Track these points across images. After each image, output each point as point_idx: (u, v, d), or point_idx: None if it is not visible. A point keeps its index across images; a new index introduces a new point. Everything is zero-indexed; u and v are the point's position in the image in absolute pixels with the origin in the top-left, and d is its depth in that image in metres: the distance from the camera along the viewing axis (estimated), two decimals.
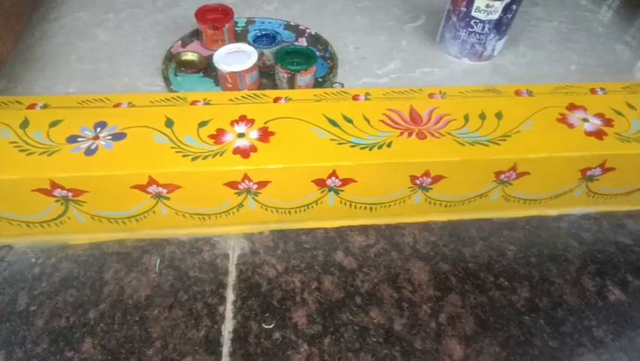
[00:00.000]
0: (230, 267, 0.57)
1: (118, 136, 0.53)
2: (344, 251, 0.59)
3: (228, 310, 0.53)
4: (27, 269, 0.55)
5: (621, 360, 0.51)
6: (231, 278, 0.56)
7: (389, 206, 0.60)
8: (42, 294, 0.53)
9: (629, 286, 0.57)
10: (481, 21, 0.78)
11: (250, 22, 0.88)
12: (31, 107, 0.57)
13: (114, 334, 0.50)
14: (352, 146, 0.54)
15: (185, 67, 0.78)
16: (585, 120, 0.59)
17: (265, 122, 0.56)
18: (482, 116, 0.59)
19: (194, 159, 0.51)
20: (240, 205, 0.56)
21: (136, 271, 0.56)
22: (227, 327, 0.51)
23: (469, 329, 0.53)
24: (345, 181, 0.55)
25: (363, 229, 0.62)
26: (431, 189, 0.58)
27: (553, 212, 0.65)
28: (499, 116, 0.59)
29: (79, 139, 0.53)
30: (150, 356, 0.49)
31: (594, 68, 0.85)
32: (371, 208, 0.60)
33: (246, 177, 0.52)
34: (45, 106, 0.57)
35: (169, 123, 0.55)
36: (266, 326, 0.51)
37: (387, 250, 0.60)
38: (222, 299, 0.54)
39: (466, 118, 0.58)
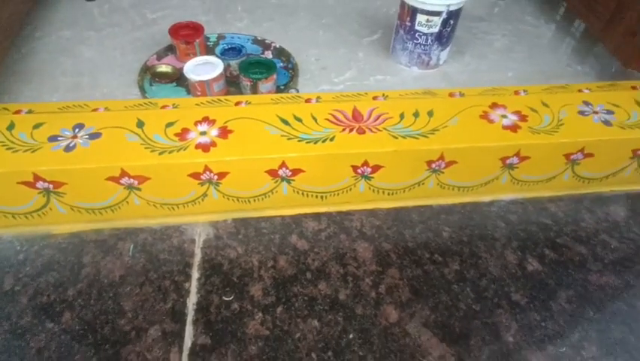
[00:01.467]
0: (197, 250, 0.64)
1: (94, 135, 0.61)
2: (298, 235, 0.67)
3: (193, 286, 0.60)
4: (12, 256, 0.62)
5: (533, 318, 0.59)
6: (197, 259, 0.63)
7: (338, 194, 0.68)
8: (26, 276, 0.59)
9: (546, 259, 0.66)
10: (424, 34, 0.88)
11: (221, 37, 0.98)
12: (17, 112, 0.65)
13: (90, 308, 0.57)
14: (300, 140, 0.62)
15: (160, 78, 0.87)
16: (504, 116, 0.69)
17: (225, 122, 0.64)
18: (416, 114, 0.68)
19: (161, 153, 0.59)
20: (204, 195, 0.64)
21: (111, 255, 0.63)
22: (192, 300, 0.58)
23: (404, 297, 0.60)
24: (295, 171, 0.63)
25: (317, 216, 0.70)
26: (372, 177, 0.66)
27: (485, 198, 0.73)
28: (430, 114, 0.68)
29: (59, 138, 0.60)
30: (122, 325, 0.55)
31: (530, 75, 0.96)
32: (322, 197, 0.68)
33: (206, 168, 0.60)
34: (30, 111, 0.65)
35: (140, 124, 0.63)
36: (226, 299, 0.59)
37: (337, 233, 0.67)
38: (188, 277, 0.61)
39: (402, 116, 0.67)
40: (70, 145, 0.59)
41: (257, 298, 0.59)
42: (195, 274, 0.61)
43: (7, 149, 0.58)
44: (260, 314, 0.57)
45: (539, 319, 0.59)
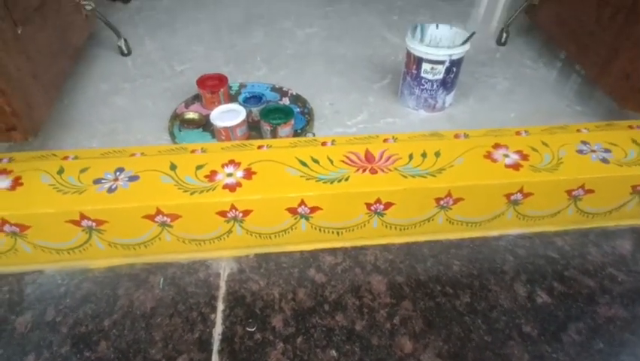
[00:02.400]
0: (221, 283, 0.69)
1: (133, 178, 0.68)
2: (316, 269, 0.71)
3: (218, 317, 0.64)
4: (54, 289, 0.67)
5: (544, 349, 0.61)
6: (222, 292, 0.67)
7: (353, 230, 0.73)
8: (66, 308, 0.65)
9: (555, 291, 0.68)
10: (430, 80, 0.96)
11: (242, 85, 1.07)
12: (65, 158, 0.72)
13: (124, 338, 0.61)
14: (317, 180, 0.68)
15: (188, 124, 0.95)
16: (506, 156, 0.74)
17: (249, 164, 0.71)
18: (424, 155, 0.73)
19: (192, 193, 0.65)
20: (229, 232, 0.69)
21: (143, 288, 0.68)
22: (217, 330, 0.62)
23: (418, 328, 0.63)
24: (313, 209, 0.68)
25: (333, 251, 0.74)
26: (385, 214, 0.71)
27: (493, 233, 0.77)
28: (437, 154, 0.74)
29: (102, 181, 0.67)
30: (153, 354, 0.59)
31: (531, 115, 1.02)
32: (338, 233, 0.73)
33: (232, 206, 0.66)
34: (76, 157, 0.73)
35: (173, 167, 0.70)
36: (249, 329, 0.62)
37: (352, 267, 0.72)
38: (214, 309, 0.65)
39: (411, 156, 0.73)
40: (112, 187, 0.66)
41: (278, 329, 0.62)
42: (220, 306, 0.65)
43: (58, 191, 0.65)
44: (281, 344, 0.61)
45: (550, 350, 0.61)
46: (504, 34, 1.28)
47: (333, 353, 0.60)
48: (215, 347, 0.60)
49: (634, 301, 0.67)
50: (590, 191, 0.72)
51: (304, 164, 0.71)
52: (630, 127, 0.82)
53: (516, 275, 0.70)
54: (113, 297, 0.66)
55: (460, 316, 0.65)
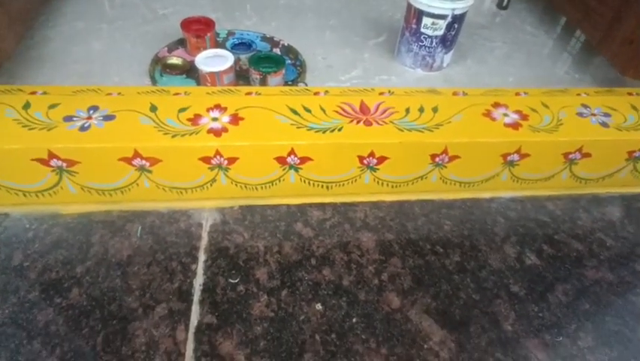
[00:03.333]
0: (203, 234, 0.65)
1: (108, 117, 0.62)
2: (303, 223, 0.68)
3: (200, 267, 0.61)
4: (21, 233, 0.62)
5: (531, 308, 0.60)
6: (203, 243, 0.64)
7: (343, 185, 0.70)
8: (35, 253, 0.60)
9: (544, 253, 0.68)
10: (429, 36, 0.91)
11: (230, 33, 1.00)
12: (32, 93, 0.66)
13: (98, 285, 0.57)
14: (309, 129, 0.64)
15: (171, 69, 0.88)
16: (505, 115, 0.71)
17: (236, 110, 0.66)
18: (421, 110, 0.70)
19: (173, 136, 0.61)
20: (213, 180, 0.65)
21: (119, 236, 0.63)
22: (198, 281, 0.59)
23: (406, 285, 0.62)
24: (303, 159, 0.64)
25: (321, 206, 0.71)
26: (378, 169, 0.68)
27: (485, 195, 0.75)
28: (435, 110, 0.70)
29: (74, 118, 0.61)
30: (130, 302, 0.56)
31: (529, 80, 0.99)
32: (327, 187, 0.70)
33: (217, 152, 0.61)
34: (45, 93, 0.66)
35: (153, 108, 0.65)
36: (232, 281, 0.60)
37: (341, 222, 0.69)
38: (195, 259, 0.62)
39: (407, 110, 0.69)
40: (85, 125, 0.61)
41: (262, 282, 0.60)
42: (202, 257, 0.62)
43: (23, 126, 0.59)
44: (265, 297, 0.58)
45: (537, 310, 0.60)
46: None
47: (319, 306, 0.58)
48: (196, 297, 0.57)
49: (620, 265, 0.67)
50: (587, 155, 0.70)
51: (295, 112, 0.67)
52: (629, 94, 0.80)
53: (506, 237, 0.69)
54: (86, 244, 0.62)
55: (449, 274, 0.63)
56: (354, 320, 0.57)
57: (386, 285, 0.61)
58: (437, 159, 0.68)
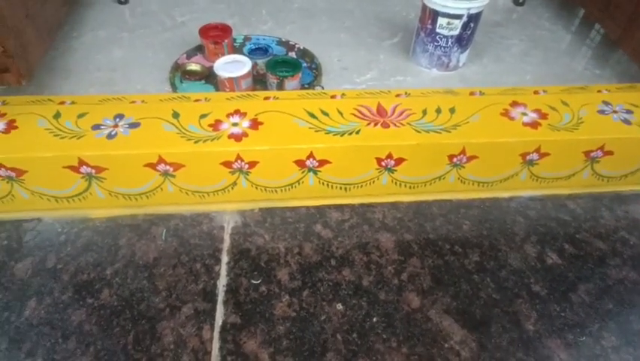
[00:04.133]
0: (225, 236, 0.67)
1: (134, 125, 0.65)
2: (322, 224, 0.69)
3: (223, 269, 0.62)
4: (54, 237, 0.65)
5: (553, 308, 0.60)
6: (226, 245, 0.66)
7: (361, 186, 0.70)
8: (67, 256, 0.63)
9: (565, 253, 0.67)
10: (445, 36, 0.91)
11: (247, 38, 1.02)
12: (61, 103, 0.69)
13: (127, 286, 0.60)
14: (327, 133, 0.65)
15: (190, 75, 0.91)
16: (524, 114, 0.71)
17: (255, 115, 0.68)
18: (438, 111, 0.70)
19: (196, 142, 0.63)
20: (234, 184, 0.67)
21: (145, 238, 0.66)
22: (222, 282, 0.61)
23: (426, 285, 0.62)
24: (322, 162, 0.65)
25: (340, 208, 0.72)
26: (395, 170, 0.68)
27: (504, 194, 0.75)
28: (452, 110, 0.70)
29: (102, 127, 0.64)
30: (157, 302, 0.58)
31: (547, 78, 0.98)
32: (346, 188, 0.71)
33: (238, 157, 0.63)
34: (73, 102, 0.69)
35: (175, 115, 0.67)
36: (254, 282, 0.61)
37: (360, 223, 0.70)
38: (218, 261, 0.63)
39: (424, 112, 0.70)
40: (112, 133, 0.63)
41: (284, 282, 0.61)
42: (225, 259, 0.64)
43: (55, 135, 0.62)
44: (287, 297, 0.60)
45: (559, 309, 0.60)
46: None
47: (340, 306, 0.59)
48: (220, 297, 0.59)
49: None
50: (609, 153, 0.69)
51: (313, 116, 0.68)
52: None
53: (526, 236, 0.69)
54: (114, 247, 0.64)
55: (469, 274, 0.63)
56: (374, 319, 0.58)
57: (406, 285, 0.62)
58: (455, 160, 0.68)
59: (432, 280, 0.63)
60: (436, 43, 0.93)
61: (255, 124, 0.66)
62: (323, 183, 0.69)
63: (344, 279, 0.62)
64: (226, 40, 0.93)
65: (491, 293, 0.61)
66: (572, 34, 1.13)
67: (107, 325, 0.55)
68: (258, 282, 0.61)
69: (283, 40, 1.02)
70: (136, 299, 0.58)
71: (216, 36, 0.93)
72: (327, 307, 0.59)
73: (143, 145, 0.62)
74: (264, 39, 1.01)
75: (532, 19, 1.19)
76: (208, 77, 0.90)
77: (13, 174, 0.61)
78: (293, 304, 0.59)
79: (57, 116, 0.65)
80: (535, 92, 0.77)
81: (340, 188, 0.70)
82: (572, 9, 1.20)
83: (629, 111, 0.72)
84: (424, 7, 0.90)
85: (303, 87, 0.88)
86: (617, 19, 0.93)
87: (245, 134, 0.64)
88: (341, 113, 0.69)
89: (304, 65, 0.93)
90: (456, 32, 0.90)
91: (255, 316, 0.57)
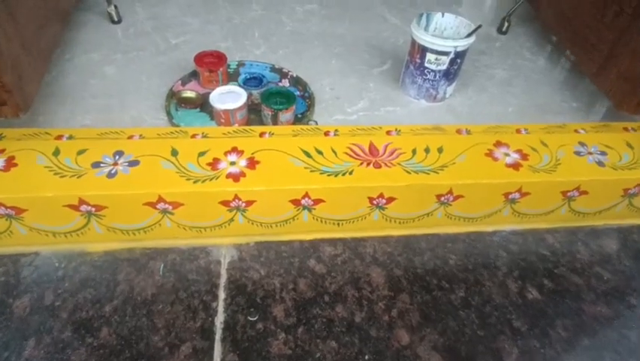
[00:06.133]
0: (222, 271, 0.69)
1: (133, 163, 0.66)
2: (316, 259, 0.72)
3: (220, 305, 0.64)
4: (52, 272, 0.66)
5: (533, 344, 0.64)
6: (223, 280, 0.68)
7: (353, 222, 0.73)
8: (65, 292, 0.64)
9: (545, 288, 0.71)
10: (433, 70, 0.95)
11: (241, 64, 1.03)
12: (59, 137, 0.70)
13: (126, 324, 0.61)
14: (321, 173, 0.68)
15: (185, 103, 0.92)
16: (507, 155, 0.75)
17: (252, 153, 0.70)
18: (427, 150, 0.74)
19: (195, 181, 0.64)
20: (231, 220, 0.69)
21: (143, 273, 0.67)
22: (219, 319, 0.63)
23: (415, 321, 0.66)
24: (316, 201, 0.68)
25: (333, 242, 0.75)
26: (386, 208, 0.72)
27: (488, 228, 0.79)
28: (440, 150, 0.74)
29: (101, 165, 0.65)
30: (156, 341, 0.60)
31: (527, 109, 1.03)
32: (339, 224, 0.73)
33: (236, 196, 0.65)
34: (70, 137, 0.70)
35: (174, 153, 0.68)
36: (251, 319, 0.63)
37: (352, 258, 0.73)
38: (215, 297, 0.65)
39: (414, 151, 0.73)
40: (112, 172, 0.64)
41: (279, 319, 0.64)
42: (222, 295, 0.66)
43: (55, 174, 0.63)
44: (283, 334, 0.62)
45: (539, 345, 0.64)
46: (505, 23, 1.27)
47: (333, 344, 0.62)
48: (218, 335, 0.61)
49: (617, 298, 0.71)
50: (584, 192, 0.74)
51: (308, 155, 0.70)
52: (625, 129, 0.84)
53: (509, 271, 0.73)
54: (112, 282, 0.66)
55: (455, 310, 0.67)
56: (366, 356, 0.61)
57: (396, 321, 0.65)
58: (442, 199, 0.72)
59: (420, 316, 0.66)
60: (424, 77, 0.96)
61: (252, 163, 0.68)
62: (317, 219, 0.72)
63: (337, 315, 0.65)
64: (221, 69, 0.95)
65: (476, 330, 0.65)
66: (552, 65, 1.19)
67: None
68: (255, 319, 0.63)
69: (276, 66, 1.04)
70: (135, 338, 0.60)
71: (211, 63, 0.95)
72: (321, 345, 0.61)
73: (143, 185, 0.63)
74: (257, 65, 1.03)
75: (515, 48, 1.24)
76: (203, 105, 0.92)
77: (13, 212, 0.62)
78: (289, 342, 0.61)
79: (56, 153, 0.66)
80: (518, 131, 0.81)
81: (333, 223, 0.73)
82: (551, 39, 1.26)
83: (603, 153, 0.77)
84: (414, 42, 0.94)
85: (296, 117, 0.90)
86: (593, 57, 0.98)
87: (242, 174, 0.66)
88: (335, 152, 0.71)
89: (297, 93, 0.96)
90: (443, 67, 0.94)
91: (252, 354, 0.60)
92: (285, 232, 0.73)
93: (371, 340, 0.62)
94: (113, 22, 1.15)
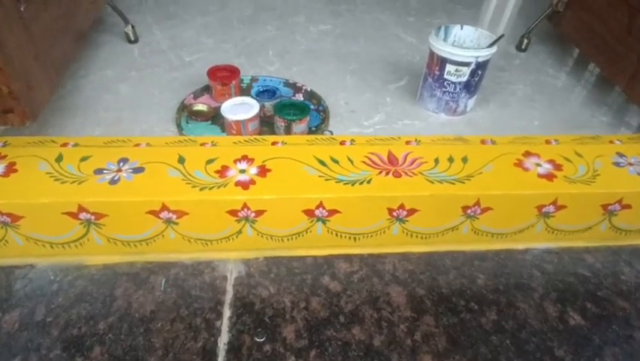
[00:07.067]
0: (228, 287, 0.63)
1: (138, 170, 0.63)
2: (330, 276, 0.66)
3: (224, 324, 0.58)
4: (46, 285, 0.62)
5: None
6: (228, 297, 0.62)
7: (371, 236, 0.68)
8: (58, 307, 0.59)
9: (588, 313, 0.63)
10: (453, 82, 0.91)
11: (254, 79, 1.02)
12: (64, 145, 0.67)
13: (121, 343, 0.55)
14: (337, 182, 0.63)
15: (196, 116, 0.90)
16: (538, 165, 0.69)
17: (263, 161, 0.66)
18: (450, 160, 0.69)
19: (201, 189, 0.60)
20: (239, 232, 0.64)
21: (143, 289, 0.62)
22: (223, 339, 0.57)
23: (441, 346, 0.58)
24: (331, 212, 0.63)
25: (348, 258, 0.69)
26: (407, 221, 0.66)
27: (519, 246, 0.72)
28: (464, 160, 0.69)
29: (104, 171, 0.62)
30: None
31: (554, 123, 0.97)
32: (355, 238, 0.68)
33: (245, 205, 0.61)
34: (76, 145, 0.67)
35: (181, 160, 0.65)
36: (258, 340, 0.57)
37: (370, 275, 0.66)
38: (219, 315, 0.60)
39: (436, 161, 0.68)
40: (115, 178, 0.61)
41: (289, 341, 0.57)
42: (227, 313, 0.60)
43: (55, 180, 0.60)
44: (293, 358, 0.55)
45: None
46: (525, 41, 1.24)
47: None
48: (221, 357, 0.55)
49: None
50: (627, 206, 0.67)
51: (323, 163, 0.66)
52: None
53: (545, 293, 0.66)
54: (109, 297, 0.61)
55: (487, 335, 0.60)
56: None
57: (420, 346, 0.58)
58: (469, 211, 0.66)
59: (447, 340, 0.59)
60: (444, 89, 0.93)
61: (263, 171, 0.64)
62: (332, 233, 0.66)
63: (354, 338, 0.58)
64: (233, 82, 0.93)
65: (512, 358, 0.57)
66: (575, 79, 1.14)
67: None
68: (262, 340, 0.57)
69: (290, 81, 1.02)
70: (129, 359, 0.54)
71: (224, 77, 0.93)
72: None
73: (147, 192, 0.59)
74: (271, 80, 1.01)
75: (536, 65, 1.20)
76: (214, 117, 0.89)
77: (9, 220, 0.59)
78: None
79: (59, 159, 0.63)
80: (547, 142, 0.76)
81: (349, 238, 0.67)
82: (576, 56, 1.22)
83: None
84: (432, 54, 0.91)
85: (310, 130, 0.87)
86: (624, 68, 0.93)
87: (252, 182, 0.62)
88: (351, 161, 0.67)
89: (312, 107, 0.93)
90: (464, 79, 0.90)
91: None
92: (297, 247, 0.67)
93: None
94: (130, 41, 1.17)
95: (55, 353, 0.54)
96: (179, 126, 0.86)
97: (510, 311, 0.63)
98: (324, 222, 0.64)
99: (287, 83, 1.01)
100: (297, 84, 1.01)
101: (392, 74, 1.11)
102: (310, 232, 0.65)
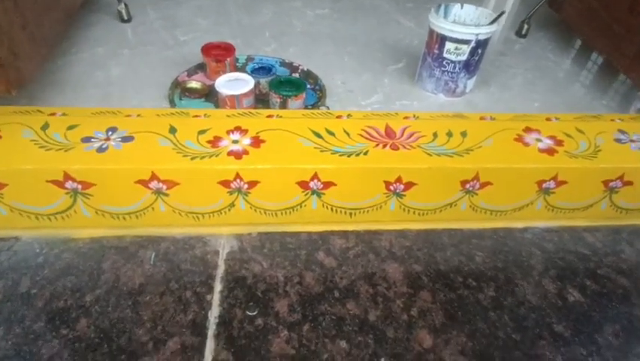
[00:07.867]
0: (220, 262, 0.61)
1: (127, 138, 0.61)
2: (325, 252, 0.64)
3: (215, 298, 0.57)
4: (31, 258, 0.59)
5: (579, 352, 0.54)
6: (220, 271, 0.60)
7: (367, 212, 0.66)
8: (43, 279, 0.57)
9: (588, 290, 0.62)
10: (452, 61, 0.89)
11: (250, 59, 0.99)
12: (52, 114, 0.65)
13: (107, 315, 0.54)
14: (333, 153, 0.61)
15: (190, 93, 0.87)
16: (539, 140, 0.67)
17: (257, 132, 0.64)
18: (449, 134, 0.67)
19: (192, 158, 0.58)
20: (232, 205, 0.62)
21: (132, 262, 0.60)
22: (214, 313, 0.55)
23: (438, 321, 0.57)
24: (326, 184, 0.61)
25: (344, 234, 0.67)
26: (404, 195, 0.64)
27: (518, 224, 0.71)
28: (463, 134, 0.67)
29: (92, 140, 0.60)
30: (140, 335, 0.52)
31: (555, 105, 0.96)
32: (351, 214, 0.66)
33: (237, 175, 0.59)
34: (64, 114, 0.65)
35: (172, 130, 0.63)
36: (249, 313, 0.55)
37: (366, 252, 0.65)
38: (210, 289, 0.58)
39: (435, 135, 0.66)
40: (103, 146, 0.59)
41: (282, 315, 0.55)
42: (218, 287, 0.58)
43: (40, 147, 0.58)
44: (285, 332, 0.54)
45: (586, 353, 0.54)
46: (525, 26, 1.22)
47: (344, 344, 0.53)
48: (211, 331, 0.53)
49: None
50: (629, 183, 0.66)
51: (318, 135, 0.64)
52: None
53: (544, 270, 0.64)
54: (97, 270, 0.59)
55: (485, 311, 0.58)
56: (382, 359, 0.52)
57: (416, 321, 0.56)
58: (468, 186, 0.64)
59: (445, 316, 0.57)
60: (443, 69, 0.91)
61: (257, 142, 0.62)
62: (327, 207, 0.64)
63: (348, 313, 0.56)
64: (228, 59, 0.91)
65: (510, 333, 0.56)
66: (577, 65, 1.12)
67: (81, 360, 0.49)
68: (254, 314, 0.55)
69: (287, 61, 1.00)
70: (116, 331, 0.52)
71: (218, 54, 0.91)
72: (329, 345, 0.53)
73: (136, 160, 0.57)
74: (267, 60, 0.99)
75: (536, 51, 1.18)
76: (208, 95, 0.87)
77: None
78: (292, 340, 0.53)
79: (45, 127, 0.61)
80: (548, 119, 0.74)
81: (345, 213, 0.66)
82: (574, 41, 1.21)
83: None
84: (431, 32, 0.89)
85: (306, 108, 0.85)
86: (626, 50, 0.92)
87: (245, 152, 0.60)
88: (348, 134, 0.65)
89: (308, 86, 0.91)
90: (464, 58, 0.88)
91: (249, 353, 0.51)
92: (291, 222, 0.65)
93: (388, 341, 0.54)
94: (123, 20, 1.14)
95: (40, 324, 0.52)
96: (171, 102, 0.84)
97: (509, 288, 0.61)
98: (319, 195, 0.62)
99: (283, 63, 0.99)
100: (294, 64, 0.99)
101: (390, 56, 1.09)
102: (305, 206, 0.64)
